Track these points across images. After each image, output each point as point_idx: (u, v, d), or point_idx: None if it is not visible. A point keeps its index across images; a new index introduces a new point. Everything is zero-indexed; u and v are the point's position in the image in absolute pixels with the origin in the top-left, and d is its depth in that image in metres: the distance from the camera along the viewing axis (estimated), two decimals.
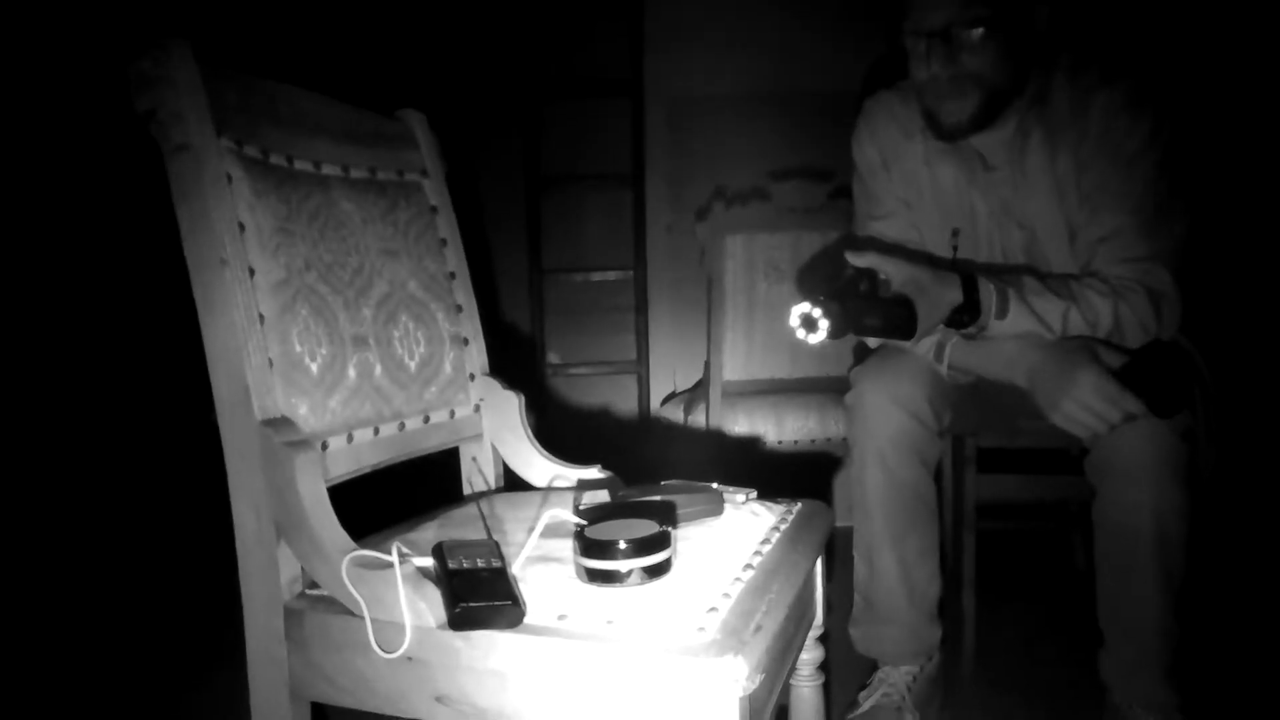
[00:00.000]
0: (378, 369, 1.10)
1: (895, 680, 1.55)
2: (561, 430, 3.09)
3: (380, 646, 0.84)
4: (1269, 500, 2.37)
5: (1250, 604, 2.05)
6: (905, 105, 1.55)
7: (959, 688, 1.73)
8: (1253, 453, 2.21)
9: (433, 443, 1.19)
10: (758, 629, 0.80)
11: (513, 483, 1.30)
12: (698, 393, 2.47)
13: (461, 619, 0.79)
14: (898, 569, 1.51)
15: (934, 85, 1.40)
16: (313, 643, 0.91)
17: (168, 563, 2.44)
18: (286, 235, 1.00)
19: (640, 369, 3.04)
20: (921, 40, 1.38)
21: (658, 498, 1.05)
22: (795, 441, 2.20)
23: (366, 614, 0.85)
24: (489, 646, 0.81)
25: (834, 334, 1.18)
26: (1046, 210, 1.48)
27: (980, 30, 1.35)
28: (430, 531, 1.05)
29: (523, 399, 1.28)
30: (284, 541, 0.93)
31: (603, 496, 1.07)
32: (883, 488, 1.48)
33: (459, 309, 1.27)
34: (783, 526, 1.08)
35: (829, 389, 2.24)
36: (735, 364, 2.37)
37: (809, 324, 1.18)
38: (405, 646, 0.82)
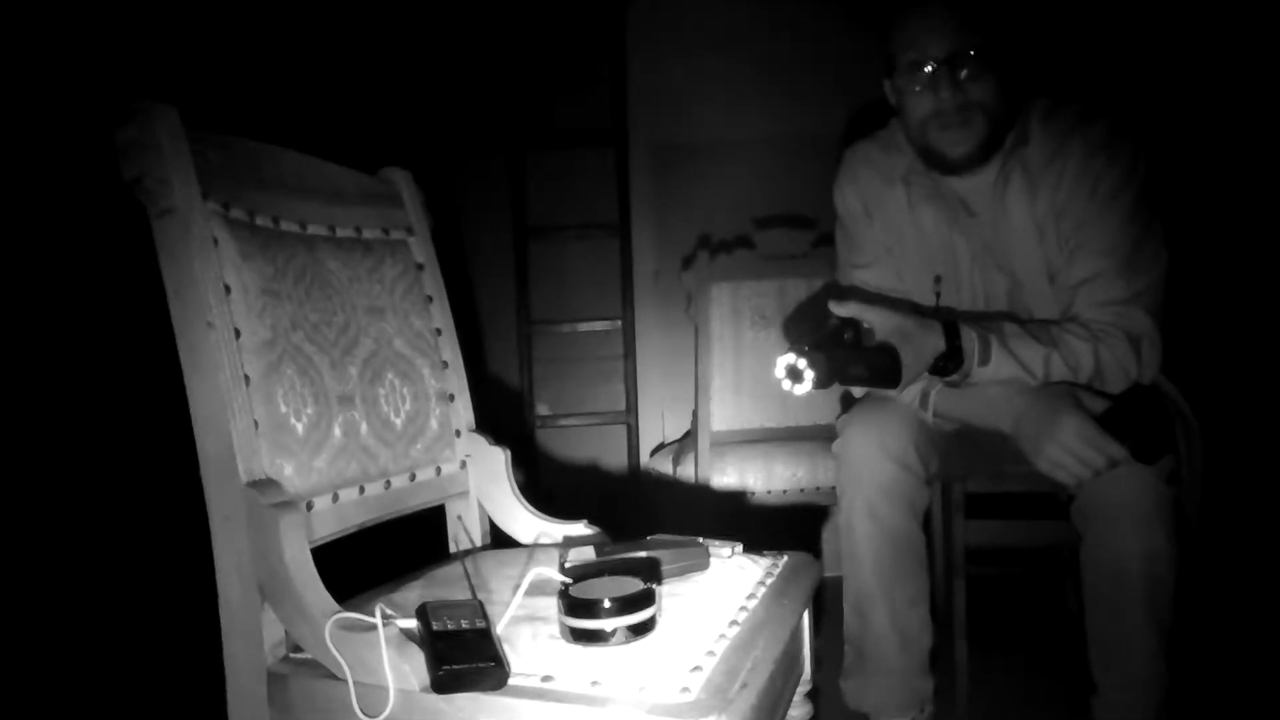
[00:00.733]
0: (363, 427, 1.10)
1: None
2: (551, 483, 3.08)
3: (363, 710, 0.83)
4: (1256, 540, 2.37)
5: (1240, 646, 2.04)
6: (885, 153, 1.58)
7: None
8: (1240, 490, 2.21)
9: (419, 500, 1.19)
10: (743, 686, 0.79)
11: (499, 538, 1.29)
12: (686, 443, 2.47)
13: (445, 681, 0.79)
14: (888, 619, 1.50)
15: (940, 117, 1.42)
16: (297, 707, 0.90)
17: (150, 627, 2.40)
18: (272, 296, 1.01)
19: (630, 418, 3.04)
20: (922, 72, 1.40)
21: (643, 553, 1.05)
22: (784, 491, 2.20)
23: (350, 677, 0.84)
24: (473, 709, 0.80)
25: (819, 384, 1.19)
26: (1027, 253, 1.50)
27: (983, 58, 1.38)
28: (415, 591, 1.04)
29: (509, 454, 1.28)
30: (268, 605, 0.92)
31: (588, 553, 1.06)
32: (872, 536, 1.47)
33: (445, 365, 1.27)
34: (769, 580, 1.08)
35: (818, 436, 2.24)
36: (723, 413, 2.38)
37: (794, 375, 1.19)
38: (389, 710, 0.81)
